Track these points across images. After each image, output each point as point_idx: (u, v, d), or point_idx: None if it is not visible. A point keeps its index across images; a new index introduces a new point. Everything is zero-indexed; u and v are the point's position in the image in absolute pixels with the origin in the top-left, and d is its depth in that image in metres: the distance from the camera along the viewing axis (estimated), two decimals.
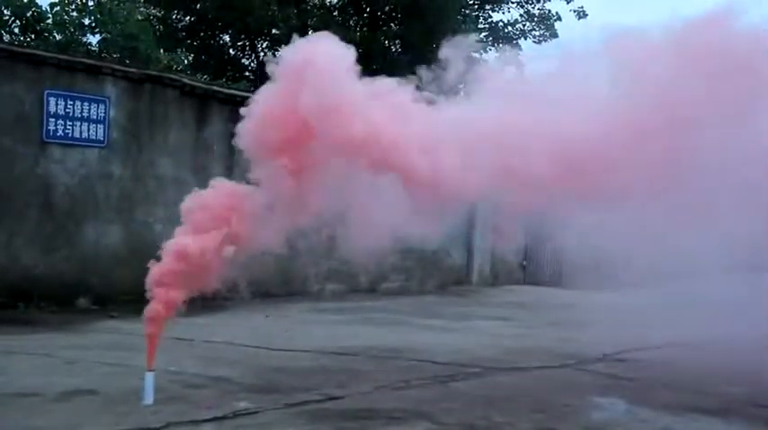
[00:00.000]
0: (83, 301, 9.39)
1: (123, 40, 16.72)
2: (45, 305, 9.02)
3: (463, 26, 19.66)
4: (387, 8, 20.34)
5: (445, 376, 5.64)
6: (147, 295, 4.66)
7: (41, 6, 16.62)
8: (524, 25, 22.85)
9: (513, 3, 22.74)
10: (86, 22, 17.44)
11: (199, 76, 19.41)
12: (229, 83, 18.68)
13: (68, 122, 9.37)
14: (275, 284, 10.99)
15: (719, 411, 4.78)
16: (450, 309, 10.86)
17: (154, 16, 21.09)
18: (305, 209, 4.99)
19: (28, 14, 16.27)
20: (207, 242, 4.55)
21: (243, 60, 22.56)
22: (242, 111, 4.89)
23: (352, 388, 5.09)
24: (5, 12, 16.22)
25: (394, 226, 5.27)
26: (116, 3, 17.84)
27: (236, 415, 4.26)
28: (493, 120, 5.08)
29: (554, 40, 22.74)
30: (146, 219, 9.98)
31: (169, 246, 4.58)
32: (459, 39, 5.28)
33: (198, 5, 20.34)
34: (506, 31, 22.41)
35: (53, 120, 9.25)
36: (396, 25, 20.53)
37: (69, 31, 17.24)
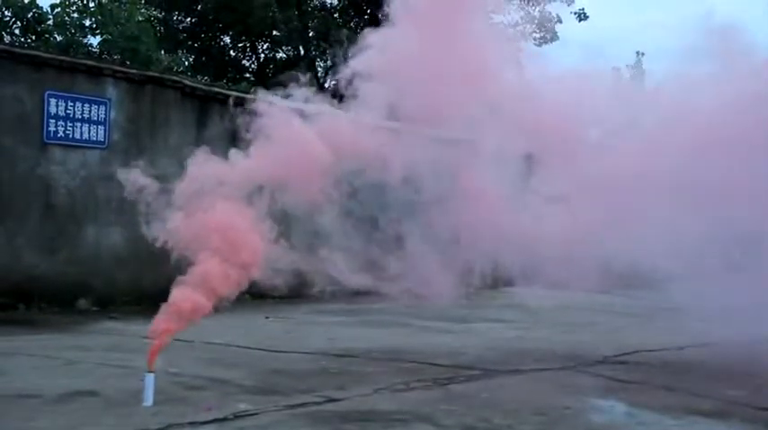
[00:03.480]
0: (83, 303, 9.39)
1: (124, 42, 16.75)
2: (46, 306, 9.02)
3: None
4: (388, 9, 20.34)
5: (445, 378, 5.63)
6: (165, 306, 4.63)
7: (42, 7, 16.67)
8: (525, 27, 22.86)
9: (513, 5, 22.76)
10: (87, 23, 17.49)
11: (199, 77, 19.43)
12: (230, 84, 18.70)
13: (69, 124, 9.37)
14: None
15: (720, 413, 4.77)
16: (451, 311, 10.84)
17: (154, 18, 21.13)
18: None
19: (29, 15, 16.32)
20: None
21: (243, 62, 22.61)
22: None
23: (352, 390, 5.09)
24: (6, 13, 16.26)
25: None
26: (117, 4, 17.87)
27: (236, 416, 4.26)
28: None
29: (555, 43, 22.78)
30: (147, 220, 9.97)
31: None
32: None
33: (198, 7, 20.39)
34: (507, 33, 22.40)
35: (54, 121, 9.26)
36: None
37: (70, 32, 17.28)
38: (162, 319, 4.60)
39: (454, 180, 6.00)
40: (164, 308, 4.61)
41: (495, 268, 7.90)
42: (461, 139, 6.15)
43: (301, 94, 5.31)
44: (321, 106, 5.39)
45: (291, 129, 4.86)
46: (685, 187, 5.80)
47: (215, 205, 4.75)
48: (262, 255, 4.84)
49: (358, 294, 10.41)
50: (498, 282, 12.94)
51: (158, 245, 4.79)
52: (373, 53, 5.26)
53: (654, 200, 5.93)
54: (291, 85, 5.26)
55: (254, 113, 4.97)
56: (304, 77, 5.33)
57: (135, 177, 4.95)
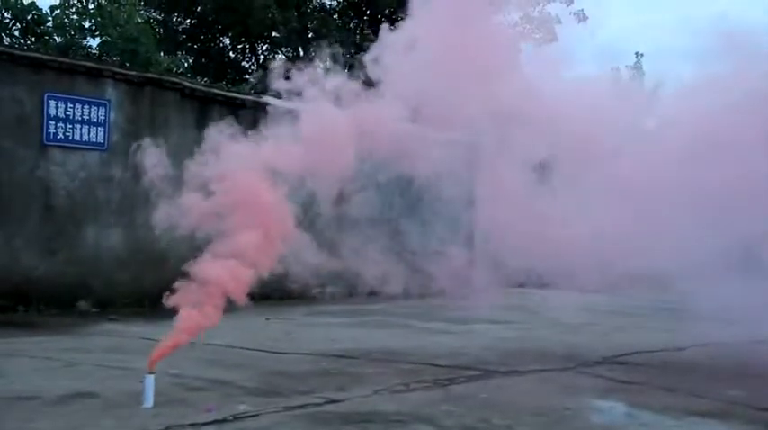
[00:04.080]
0: (83, 304, 9.39)
1: (123, 43, 16.74)
2: (45, 308, 9.02)
3: None
4: (387, 10, 20.36)
5: (445, 379, 5.64)
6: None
7: (42, 9, 16.67)
8: (524, 28, 22.83)
9: (512, 5, 22.71)
10: (87, 24, 17.48)
11: (199, 78, 19.43)
12: (230, 86, 18.71)
13: (69, 125, 9.37)
14: (275, 287, 10.98)
15: (720, 414, 4.78)
16: (450, 311, 10.84)
17: (154, 19, 21.13)
18: None
19: (28, 17, 16.31)
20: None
21: (243, 63, 22.61)
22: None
23: (351, 391, 5.09)
24: (6, 14, 16.26)
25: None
26: (116, 6, 17.87)
27: (236, 418, 4.26)
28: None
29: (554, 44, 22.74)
30: (146, 222, 9.96)
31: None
32: None
33: (198, 8, 20.39)
34: None
35: (53, 123, 9.26)
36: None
37: (69, 33, 17.28)
38: (192, 294, 4.38)
39: (480, 182, 6.05)
40: (197, 283, 4.40)
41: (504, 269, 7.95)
42: (484, 141, 6.18)
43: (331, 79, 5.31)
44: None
45: (321, 115, 4.82)
46: (693, 189, 5.81)
47: (241, 179, 4.63)
48: (291, 230, 4.76)
49: (356, 294, 10.51)
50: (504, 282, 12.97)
51: (180, 227, 4.61)
52: (394, 53, 5.28)
53: (662, 201, 5.94)
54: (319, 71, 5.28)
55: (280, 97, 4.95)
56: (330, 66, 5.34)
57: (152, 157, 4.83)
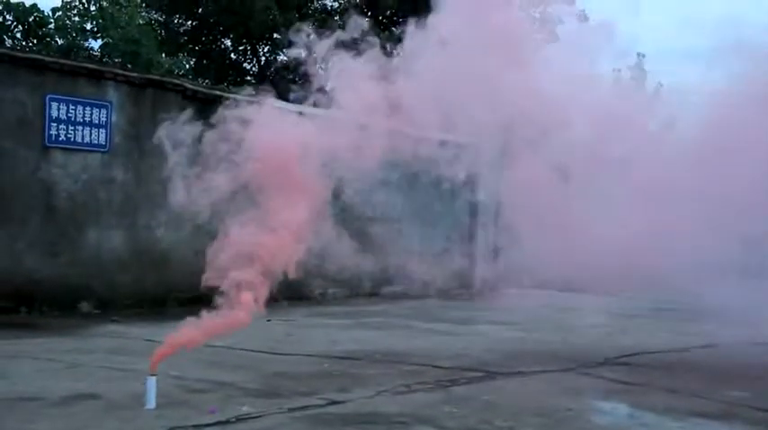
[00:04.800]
0: (85, 306, 9.39)
1: (125, 45, 16.81)
2: (47, 309, 9.02)
3: None
4: (388, 12, 20.37)
5: (447, 380, 5.63)
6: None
7: (43, 11, 16.73)
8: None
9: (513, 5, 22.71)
10: (88, 26, 17.55)
11: (200, 80, 19.44)
12: (231, 87, 18.72)
13: (70, 127, 9.37)
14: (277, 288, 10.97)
15: (723, 415, 4.77)
16: (453, 313, 10.85)
17: (155, 21, 21.14)
18: None
19: (30, 19, 16.36)
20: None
21: (244, 65, 22.61)
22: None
23: (354, 392, 5.09)
24: (8, 17, 16.30)
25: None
26: (118, 7, 17.91)
27: (238, 419, 4.26)
28: None
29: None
30: (148, 223, 9.98)
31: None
32: None
33: (199, 10, 20.40)
34: None
35: (55, 124, 9.26)
36: (398, 29, 20.56)
37: (71, 35, 17.33)
38: (236, 267, 4.27)
39: (502, 185, 6.09)
40: (238, 258, 4.29)
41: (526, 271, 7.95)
42: (505, 143, 6.19)
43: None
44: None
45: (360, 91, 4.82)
46: (700, 191, 5.82)
47: (274, 152, 4.52)
48: (324, 207, 4.70)
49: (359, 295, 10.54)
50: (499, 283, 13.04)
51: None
52: (417, 57, 5.32)
53: (670, 203, 5.95)
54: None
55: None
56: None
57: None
